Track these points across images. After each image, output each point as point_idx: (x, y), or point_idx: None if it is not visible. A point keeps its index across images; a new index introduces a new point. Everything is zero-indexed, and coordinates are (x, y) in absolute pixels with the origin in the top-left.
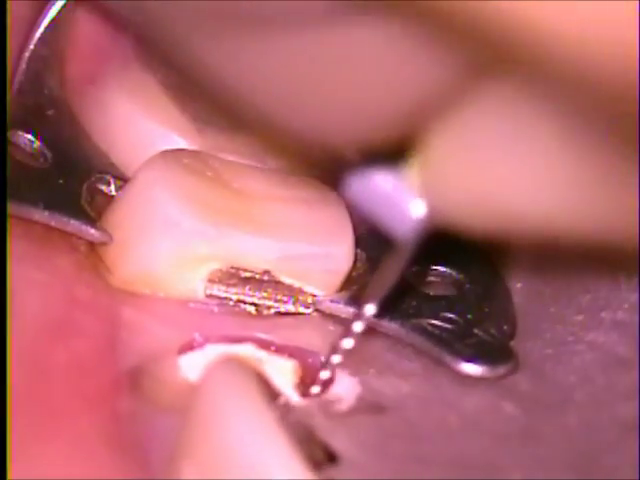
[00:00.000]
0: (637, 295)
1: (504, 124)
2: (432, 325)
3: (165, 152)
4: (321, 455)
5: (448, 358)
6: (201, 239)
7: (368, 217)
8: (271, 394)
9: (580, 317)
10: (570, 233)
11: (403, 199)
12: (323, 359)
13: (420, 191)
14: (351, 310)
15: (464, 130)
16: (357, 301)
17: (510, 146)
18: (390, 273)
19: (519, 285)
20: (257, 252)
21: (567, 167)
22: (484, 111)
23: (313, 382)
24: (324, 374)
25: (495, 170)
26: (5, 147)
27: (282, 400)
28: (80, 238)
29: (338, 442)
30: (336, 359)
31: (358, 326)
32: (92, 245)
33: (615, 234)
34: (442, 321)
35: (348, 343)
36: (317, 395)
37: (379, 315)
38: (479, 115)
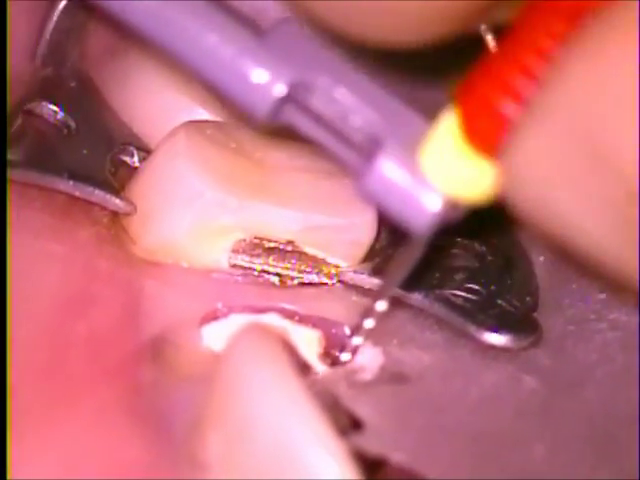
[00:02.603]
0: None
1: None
2: (455, 296)
3: (188, 123)
4: (346, 422)
5: (471, 328)
6: (224, 210)
7: (383, 210)
8: (297, 362)
9: (602, 296)
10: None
11: (419, 193)
12: (349, 329)
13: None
14: (374, 281)
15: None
16: (380, 273)
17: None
18: (404, 265)
19: (542, 259)
20: (280, 223)
21: None
22: None
23: (338, 351)
24: (356, 340)
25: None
26: (5, 146)
27: (307, 368)
28: (102, 210)
29: (362, 410)
30: (368, 324)
31: (381, 305)
32: (114, 217)
33: None
34: (465, 292)
35: (380, 306)
36: (341, 365)
37: (403, 285)
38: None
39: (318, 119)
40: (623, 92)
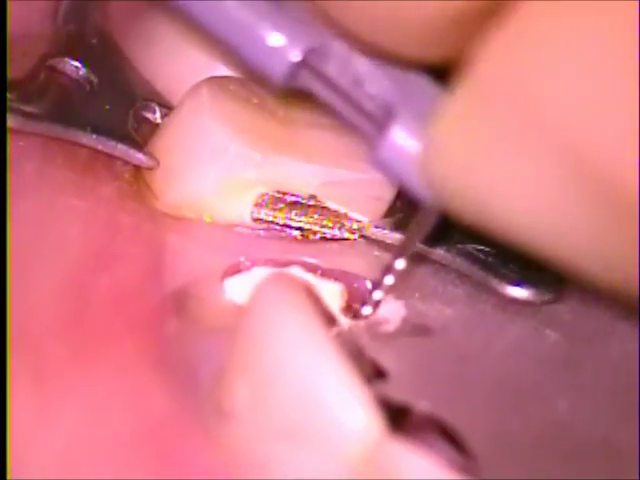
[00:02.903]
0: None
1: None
2: (477, 250)
3: (211, 79)
4: (370, 371)
5: (494, 282)
6: (248, 164)
7: (397, 179)
8: (321, 312)
9: None
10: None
11: None
12: (370, 284)
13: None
14: (396, 236)
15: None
16: (402, 228)
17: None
18: (420, 229)
19: None
20: (303, 177)
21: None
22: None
23: (360, 305)
24: (377, 295)
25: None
26: (5, 145)
27: (330, 320)
28: (125, 165)
29: (385, 360)
30: (388, 280)
31: (400, 263)
32: (137, 172)
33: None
34: (487, 246)
35: (400, 264)
36: (363, 318)
37: (425, 240)
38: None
39: (333, 86)
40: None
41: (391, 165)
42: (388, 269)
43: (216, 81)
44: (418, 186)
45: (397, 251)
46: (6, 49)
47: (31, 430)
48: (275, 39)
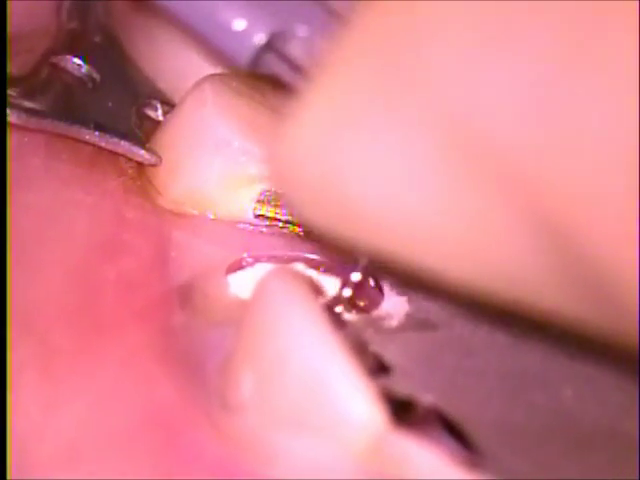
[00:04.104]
0: None
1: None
2: None
3: (213, 75)
4: (374, 365)
5: None
6: (251, 159)
7: None
8: (325, 306)
9: None
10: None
11: None
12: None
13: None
14: None
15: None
16: None
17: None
18: None
19: None
20: None
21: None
22: None
23: (362, 299)
24: (355, 276)
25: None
26: (5, 145)
27: (334, 315)
28: (128, 161)
29: (390, 354)
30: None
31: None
32: (140, 168)
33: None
34: None
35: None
36: (367, 311)
37: None
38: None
39: (297, 68)
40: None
41: None
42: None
43: (219, 78)
44: None
45: None
46: (6, 47)
47: (38, 419)
48: (238, 24)
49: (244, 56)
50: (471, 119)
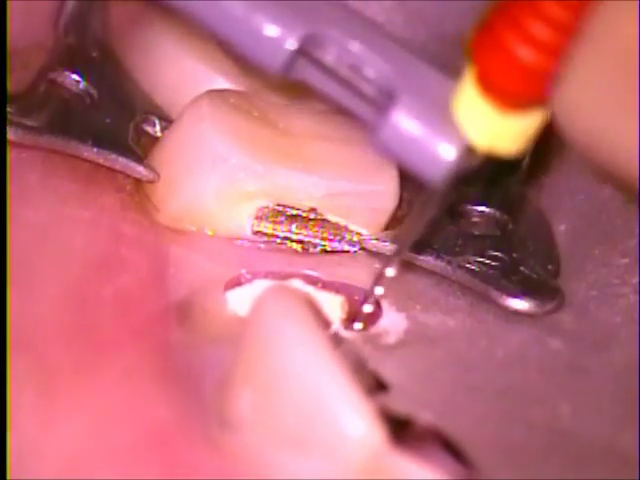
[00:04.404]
0: None
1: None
2: (478, 263)
3: (211, 91)
4: (372, 383)
5: (495, 294)
6: (249, 175)
7: (399, 161)
8: (322, 323)
9: (625, 260)
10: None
11: (433, 143)
12: (364, 294)
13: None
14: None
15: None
16: (403, 240)
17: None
18: (424, 214)
19: (562, 227)
20: (304, 189)
21: None
22: None
23: (359, 316)
24: (367, 308)
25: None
26: (5, 145)
27: (333, 331)
28: (126, 177)
29: (388, 372)
30: (379, 291)
31: (390, 271)
32: (138, 184)
33: None
34: (488, 259)
35: (390, 272)
36: (364, 329)
37: (426, 253)
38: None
39: (331, 73)
40: None
41: (393, 147)
42: (378, 278)
43: (216, 93)
44: (421, 168)
45: (396, 247)
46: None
47: (36, 438)
48: (270, 29)
49: (276, 62)
50: None
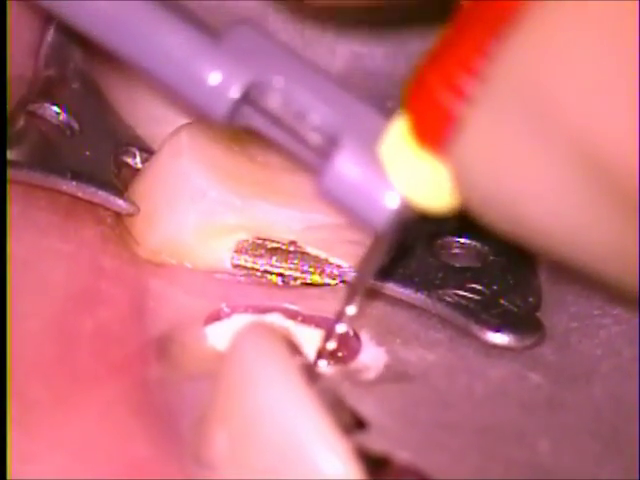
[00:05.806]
0: None
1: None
2: (458, 295)
3: (191, 124)
4: (350, 421)
5: (475, 328)
6: (228, 209)
7: (343, 209)
8: (300, 361)
9: (605, 292)
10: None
11: (377, 190)
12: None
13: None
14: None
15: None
16: (384, 272)
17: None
18: (373, 261)
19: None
20: (283, 222)
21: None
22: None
23: (339, 351)
24: (330, 345)
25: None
26: (5, 147)
27: (311, 368)
28: (106, 210)
29: (366, 409)
30: (340, 329)
31: (351, 309)
32: (118, 217)
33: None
34: (468, 292)
35: (351, 310)
36: (344, 364)
37: (406, 286)
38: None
39: (275, 120)
40: (567, 59)
41: (337, 195)
42: (339, 316)
43: (196, 126)
44: (365, 215)
45: (350, 286)
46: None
47: (15, 472)
48: (213, 78)
49: (220, 110)
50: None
